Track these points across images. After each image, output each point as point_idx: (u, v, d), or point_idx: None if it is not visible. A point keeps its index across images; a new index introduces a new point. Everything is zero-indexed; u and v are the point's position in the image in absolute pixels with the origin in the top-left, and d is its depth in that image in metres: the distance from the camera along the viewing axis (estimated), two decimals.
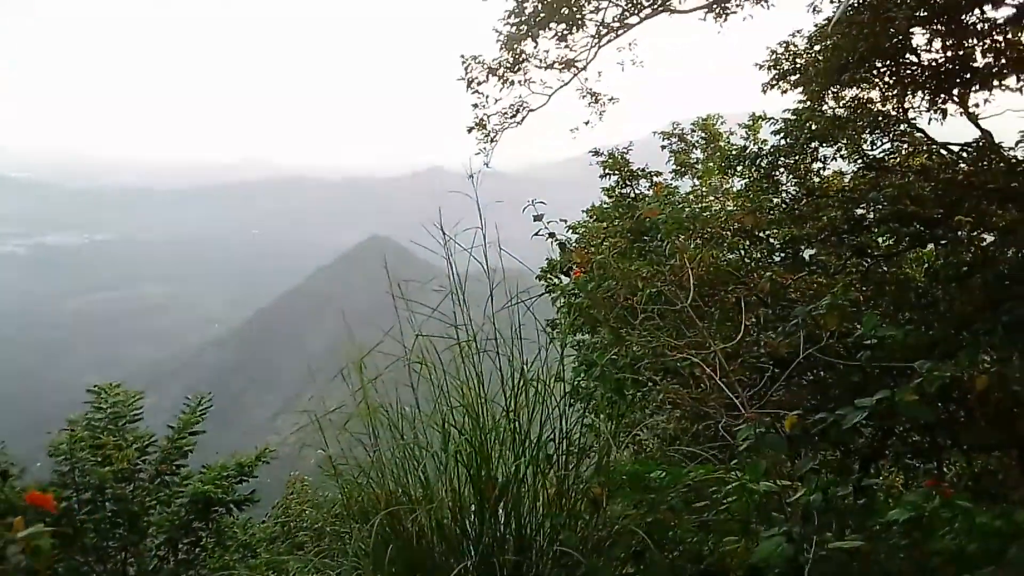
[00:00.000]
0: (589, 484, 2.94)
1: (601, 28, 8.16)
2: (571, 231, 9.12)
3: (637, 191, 9.75)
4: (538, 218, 4.25)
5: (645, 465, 2.80)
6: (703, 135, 11.74)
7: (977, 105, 8.46)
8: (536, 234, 4.32)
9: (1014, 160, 7.25)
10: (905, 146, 10.34)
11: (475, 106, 8.60)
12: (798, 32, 10.50)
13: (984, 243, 5.09)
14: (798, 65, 10.44)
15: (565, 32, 7.99)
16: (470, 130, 8.62)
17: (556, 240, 4.50)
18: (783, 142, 10.25)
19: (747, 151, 11.11)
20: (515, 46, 8.18)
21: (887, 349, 2.93)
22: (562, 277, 7.04)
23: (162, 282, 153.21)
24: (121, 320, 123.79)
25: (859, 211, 7.26)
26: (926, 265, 6.64)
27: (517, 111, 8.65)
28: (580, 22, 7.91)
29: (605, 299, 3.70)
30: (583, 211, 9.67)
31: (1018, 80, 7.99)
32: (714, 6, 8.21)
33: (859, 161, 10.42)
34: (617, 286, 3.73)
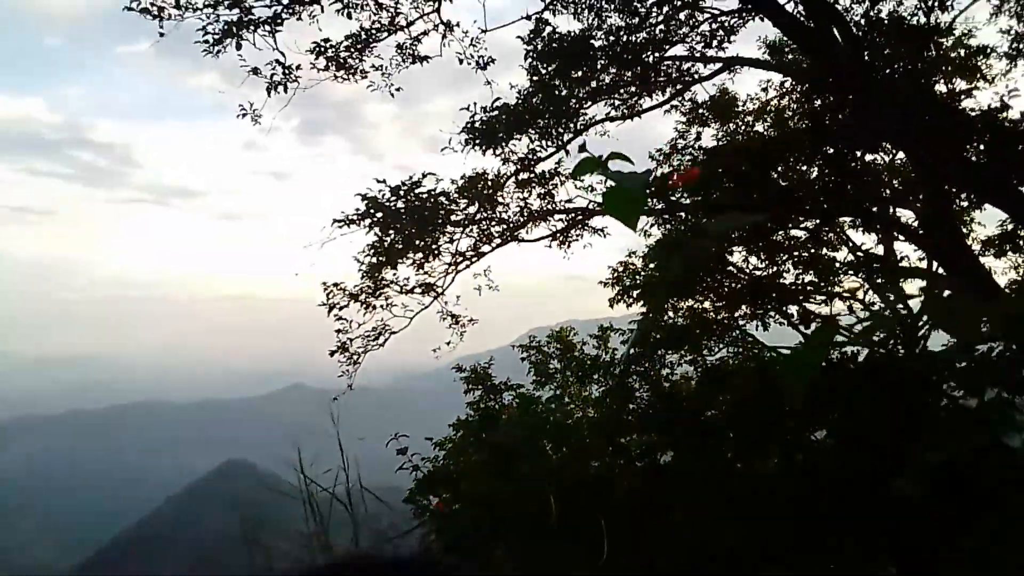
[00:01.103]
0: None
1: (456, 257, 8.77)
2: (438, 447, 9.10)
3: (501, 403, 9.97)
4: (402, 452, 4.28)
5: None
6: (558, 346, 12.43)
7: (792, 315, 9.56)
8: (400, 467, 4.33)
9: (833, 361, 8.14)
10: (740, 351, 11.40)
11: (338, 331, 8.77)
12: (633, 253, 11.66)
13: (816, 444, 5.55)
14: (638, 281, 11.51)
15: (423, 260, 8.51)
16: (332, 353, 8.71)
17: (419, 472, 4.51)
18: (631, 351, 11.04)
19: (600, 360, 11.85)
20: (376, 275, 8.56)
21: (740, 556, 3.09)
22: (431, 499, 6.94)
23: None
24: None
25: (706, 417, 7.75)
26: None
27: (380, 334, 8.88)
28: (436, 252, 8.48)
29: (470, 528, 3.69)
30: (449, 425, 9.73)
31: (822, 294, 9.17)
32: (557, 235, 9.08)
33: (700, 368, 11.33)
34: (478, 514, 3.74)
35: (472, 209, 8.51)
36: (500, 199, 8.60)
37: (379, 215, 7.82)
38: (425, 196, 7.97)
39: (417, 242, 8.09)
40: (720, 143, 10.76)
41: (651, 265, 11.59)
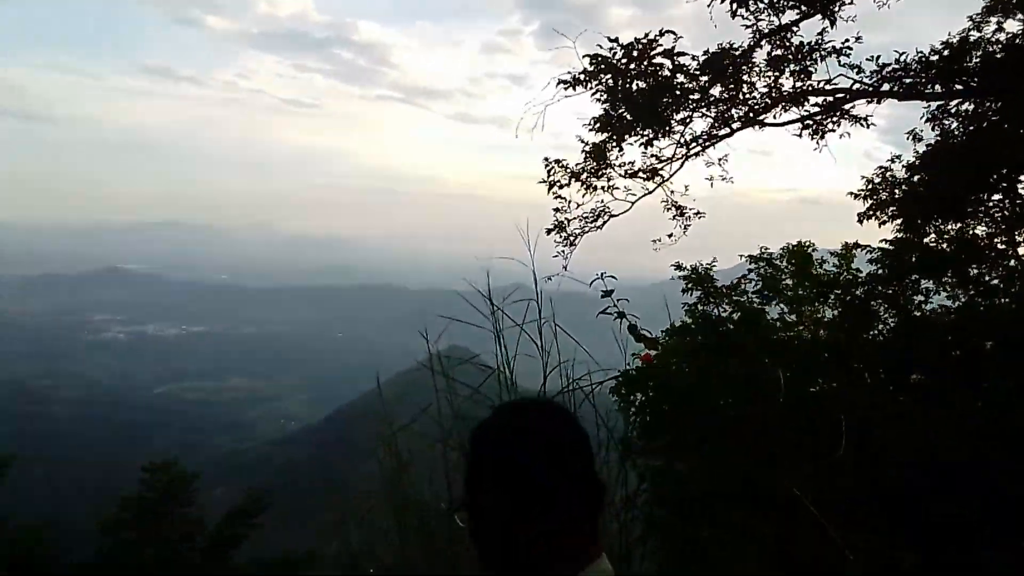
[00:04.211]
0: None
1: (688, 139, 8.00)
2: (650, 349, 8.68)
3: (721, 309, 9.31)
4: (607, 294, 3.88)
5: None
6: (792, 261, 11.31)
7: None
8: (603, 311, 3.94)
9: None
10: (1018, 285, 9.65)
11: (556, 210, 8.47)
12: (897, 158, 10.10)
13: None
14: (896, 195, 10.04)
15: (651, 137, 7.84)
16: (549, 232, 8.43)
17: (626, 320, 4.06)
18: (880, 272, 9.71)
19: (841, 279, 10.59)
20: (600, 154, 8.08)
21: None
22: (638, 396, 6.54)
23: (247, 376, 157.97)
24: (205, 410, 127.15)
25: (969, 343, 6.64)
26: None
27: (598, 216, 8.46)
28: (667, 129, 7.76)
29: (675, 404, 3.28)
30: (662, 331, 9.27)
31: None
32: (810, 121, 7.92)
33: (963, 297, 9.74)
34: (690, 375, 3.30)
35: (713, 89, 7.62)
36: (746, 78, 7.60)
37: (608, 77, 7.22)
38: (659, 64, 7.22)
39: (648, 116, 7.41)
40: None
41: (916, 177, 10.07)
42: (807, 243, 11.94)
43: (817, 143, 8.21)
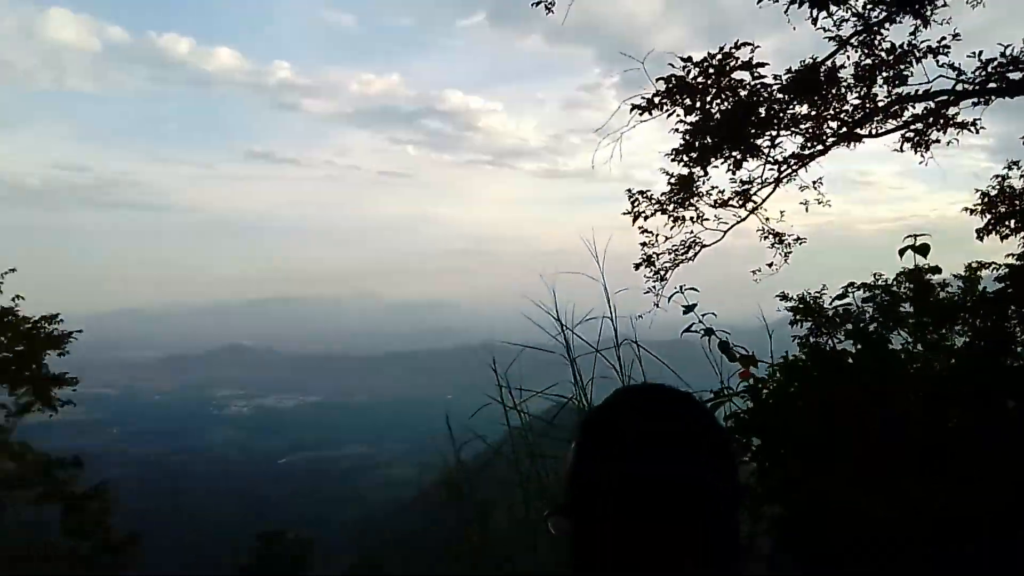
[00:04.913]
0: None
1: (779, 160, 7.58)
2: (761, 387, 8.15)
3: (836, 339, 8.69)
4: (689, 308, 3.55)
5: None
6: (910, 286, 10.55)
7: None
8: (687, 329, 3.60)
9: None
10: None
11: (643, 244, 8.17)
12: (1015, 164, 9.31)
13: None
14: (1017, 207, 9.24)
15: (739, 159, 7.45)
16: (637, 267, 8.14)
17: (714, 337, 3.68)
18: (1010, 290, 8.89)
19: (968, 302, 9.74)
20: (686, 186, 7.78)
21: None
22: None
23: (361, 443, 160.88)
24: (321, 479, 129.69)
25: None
26: None
27: (689, 247, 8.11)
28: (755, 151, 7.36)
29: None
30: (770, 366, 8.71)
31: None
32: (910, 131, 7.32)
33: None
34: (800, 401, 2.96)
35: (800, 107, 7.20)
36: (835, 91, 7.13)
37: (684, 97, 6.91)
38: (739, 80, 6.86)
39: (733, 137, 7.05)
40: None
41: None
42: (926, 266, 11.11)
43: (922, 155, 7.61)
